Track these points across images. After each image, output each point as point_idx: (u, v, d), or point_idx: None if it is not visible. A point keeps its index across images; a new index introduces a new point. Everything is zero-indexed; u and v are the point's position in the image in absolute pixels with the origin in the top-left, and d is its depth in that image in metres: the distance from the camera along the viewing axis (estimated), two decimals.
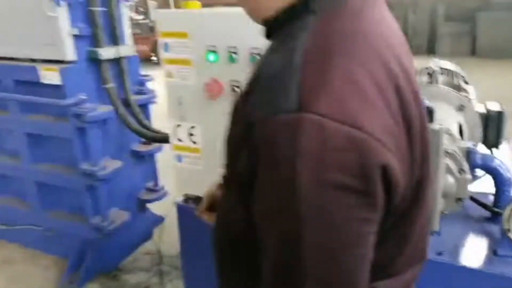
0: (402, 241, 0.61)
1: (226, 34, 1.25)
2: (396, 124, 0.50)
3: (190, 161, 1.50)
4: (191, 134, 1.45)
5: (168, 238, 2.76)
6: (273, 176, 0.46)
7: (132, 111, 2.41)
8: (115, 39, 2.27)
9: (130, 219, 2.56)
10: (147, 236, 2.90)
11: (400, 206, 0.53)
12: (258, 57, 0.70)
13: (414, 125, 0.53)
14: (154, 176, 2.79)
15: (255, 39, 1.23)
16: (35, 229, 2.69)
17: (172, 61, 1.36)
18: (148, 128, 2.42)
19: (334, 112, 0.44)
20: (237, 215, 0.61)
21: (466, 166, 1.17)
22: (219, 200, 0.85)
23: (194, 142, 1.45)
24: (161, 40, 1.36)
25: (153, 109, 2.68)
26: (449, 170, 1.18)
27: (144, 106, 2.56)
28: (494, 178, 1.27)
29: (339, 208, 0.45)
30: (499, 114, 1.57)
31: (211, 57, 1.29)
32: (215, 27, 1.27)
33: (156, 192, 2.78)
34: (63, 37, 2.04)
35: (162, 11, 1.43)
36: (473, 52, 11.18)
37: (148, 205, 2.86)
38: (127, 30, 2.37)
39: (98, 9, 2.12)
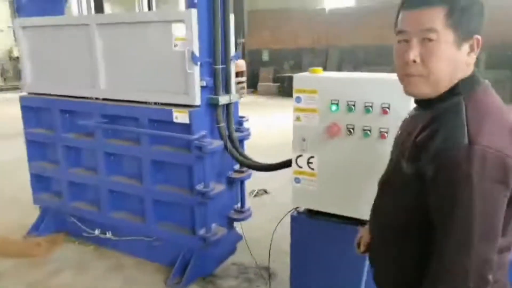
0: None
1: (347, 91, 1.82)
2: None
3: (306, 182, 2.03)
4: (310, 162, 1.99)
5: (250, 253, 3.25)
6: (457, 179, 0.96)
7: (234, 145, 3.01)
8: (227, 89, 2.92)
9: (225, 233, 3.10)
10: (232, 250, 3.42)
11: None
12: (407, 116, 1.17)
13: None
14: (242, 199, 3.34)
15: (368, 96, 1.79)
16: (144, 239, 3.27)
17: (302, 110, 1.94)
18: (247, 158, 3.00)
19: (489, 145, 0.95)
20: (401, 210, 1.12)
21: None
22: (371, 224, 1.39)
23: (312, 169, 2.00)
24: (295, 95, 1.95)
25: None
26: None
27: (241, 141, 3.16)
28: None
29: (492, 187, 0.95)
30: None
31: (334, 107, 1.85)
32: (338, 87, 1.84)
33: (243, 213, 3.32)
34: (194, 87, 2.70)
35: (299, 75, 2.03)
36: None
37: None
38: (234, 81, 3.02)
39: (219, 67, 2.78)
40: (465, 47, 1.05)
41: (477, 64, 1.11)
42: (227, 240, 3.29)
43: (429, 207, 1.04)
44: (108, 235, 3.43)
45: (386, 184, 1.27)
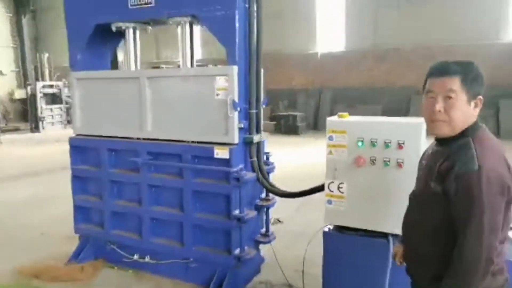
0: (508, 222, 1.60)
1: (370, 131, 2.37)
2: (509, 173, 1.55)
3: (336, 203, 2.54)
4: (340, 187, 2.52)
5: (280, 268, 3.69)
6: (472, 193, 1.50)
7: (264, 176, 3.52)
8: (258, 129, 3.47)
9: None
10: (258, 270, 3.85)
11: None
12: (428, 150, 1.73)
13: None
14: (267, 224, 3.80)
15: (387, 135, 2.35)
16: (181, 262, 3.69)
17: (333, 146, 2.48)
18: (275, 187, 3.51)
19: (492, 168, 1.50)
20: (434, 216, 1.65)
21: None
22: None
23: (342, 193, 2.52)
24: (328, 134, 2.50)
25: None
26: None
27: (268, 173, 3.67)
28: None
29: (495, 198, 1.50)
30: None
31: (360, 144, 2.40)
32: (363, 128, 2.41)
33: (268, 237, 3.78)
34: (234, 129, 3.25)
35: (331, 119, 2.59)
36: (498, 133, 12.19)
37: None
38: (262, 123, 3.57)
39: (253, 111, 3.35)
40: (472, 104, 1.62)
41: None
42: (254, 261, 3.73)
43: (452, 215, 1.58)
44: (147, 259, 3.82)
45: (417, 198, 1.81)
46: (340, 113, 2.58)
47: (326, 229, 2.64)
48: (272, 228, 3.88)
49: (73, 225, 4.18)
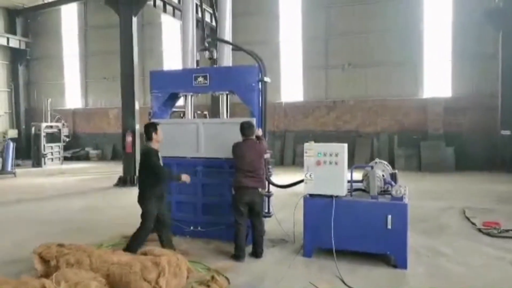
0: None
1: (323, 149, 5.48)
2: None
3: (309, 183, 5.54)
4: (311, 175, 5.53)
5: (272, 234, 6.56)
6: None
7: (268, 176, 6.45)
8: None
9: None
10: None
11: None
12: None
13: None
14: (268, 206, 6.65)
15: (331, 150, 5.46)
16: (220, 228, 6.44)
17: (308, 156, 5.52)
18: (275, 183, 6.45)
19: None
20: None
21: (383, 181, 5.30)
22: None
23: (311, 178, 5.53)
24: (305, 150, 5.54)
25: None
26: (379, 180, 5.30)
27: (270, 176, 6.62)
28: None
29: None
30: (394, 174, 5.77)
31: (319, 154, 5.46)
32: (320, 148, 5.50)
33: (269, 213, 6.63)
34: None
35: (307, 144, 5.62)
36: (419, 168, 15.93)
37: None
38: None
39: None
40: None
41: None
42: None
43: None
44: (200, 228, 6.55)
45: None
46: (310, 141, 5.63)
47: (307, 196, 5.60)
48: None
49: None
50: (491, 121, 15.77)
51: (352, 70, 17.89)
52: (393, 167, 15.28)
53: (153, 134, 5.51)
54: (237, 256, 5.56)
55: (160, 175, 5.36)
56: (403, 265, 5.09)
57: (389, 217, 5.10)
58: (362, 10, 17.64)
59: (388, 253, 5.26)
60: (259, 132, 6.05)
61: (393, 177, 5.93)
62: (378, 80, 17.52)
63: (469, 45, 16.14)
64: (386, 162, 6.33)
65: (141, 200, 5.41)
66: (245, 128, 5.73)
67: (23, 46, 22.27)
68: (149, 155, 5.39)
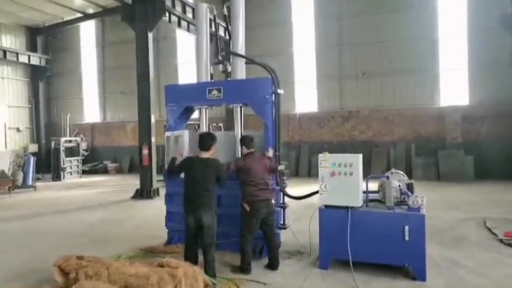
0: None
1: (338, 159, 5.46)
2: None
3: (324, 194, 5.51)
4: (325, 186, 5.51)
5: (295, 237, 6.52)
6: None
7: (283, 188, 6.45)
8: (279, 162, 6.47)
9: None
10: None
11: None
12: None
13: None
14: (284, 218, 6.64)
15: (346, 160, 5.45)
16: (234, 240, 6.45)
17: (323, 167, 5.51)
18: (290, 195, 6.45)
19: None
20: None
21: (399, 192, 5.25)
22: None
23: (326, 188, 5.51)
24: (320, 161, 5.53)
25: None
26: (395, 191, 5.24)
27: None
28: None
29: None
30: (411, 184, 5.71)
31: (333, 165, 5.45)
32: (335, 158, 5.48)
33: (285, 225, 6.61)
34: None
35: (321, 155, 5.62)
36: (438, 177, 15.64)
37: None
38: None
39: (278, 152, 6.38)
40: None
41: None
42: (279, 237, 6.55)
43: None
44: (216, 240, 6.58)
45: None
46: (325, 152, 5.63)
47: (322, 207, 5.58)
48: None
49: (165, 223, 6.90)
50: (510, 129, 15.44)
51: (367, 79, 17.82)
52: (411, 177, 15.16)
53: (213, 147, 5.46)
54: (244, 269, 5.55)
55: (223, 187, 5.59)
56: (422, 277, 5.00)
57: (406, 228, 5.03)
58: (375, 20, 17.63)
59: (406, 265, 5.17)
60: (270, 153, 6.08)
61: (410, 187, 5.87)
62: (393, 89, 17.40)
63: (485, 52, 15.90)
64: (402, 172, 6.26)
65: (211, 212, 5.27)
66: (249, 141, 5.85)
67: (43, 63, 22.98)
68: (220, 168, 5.47)
